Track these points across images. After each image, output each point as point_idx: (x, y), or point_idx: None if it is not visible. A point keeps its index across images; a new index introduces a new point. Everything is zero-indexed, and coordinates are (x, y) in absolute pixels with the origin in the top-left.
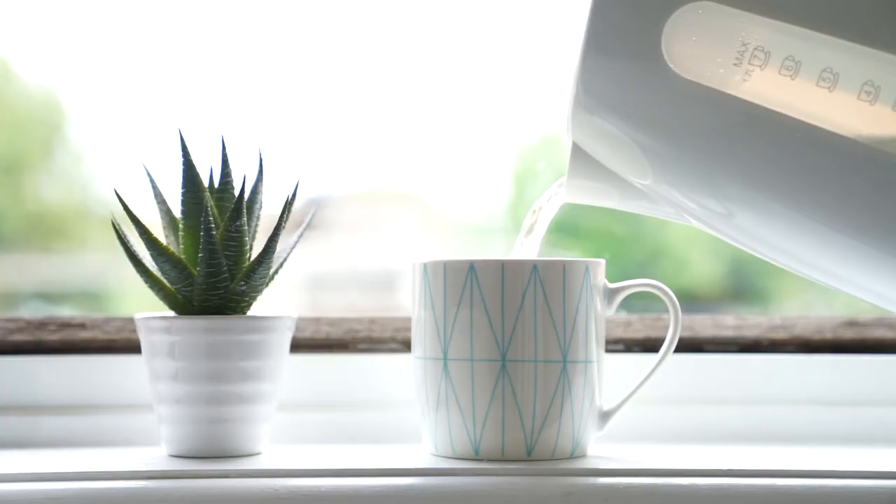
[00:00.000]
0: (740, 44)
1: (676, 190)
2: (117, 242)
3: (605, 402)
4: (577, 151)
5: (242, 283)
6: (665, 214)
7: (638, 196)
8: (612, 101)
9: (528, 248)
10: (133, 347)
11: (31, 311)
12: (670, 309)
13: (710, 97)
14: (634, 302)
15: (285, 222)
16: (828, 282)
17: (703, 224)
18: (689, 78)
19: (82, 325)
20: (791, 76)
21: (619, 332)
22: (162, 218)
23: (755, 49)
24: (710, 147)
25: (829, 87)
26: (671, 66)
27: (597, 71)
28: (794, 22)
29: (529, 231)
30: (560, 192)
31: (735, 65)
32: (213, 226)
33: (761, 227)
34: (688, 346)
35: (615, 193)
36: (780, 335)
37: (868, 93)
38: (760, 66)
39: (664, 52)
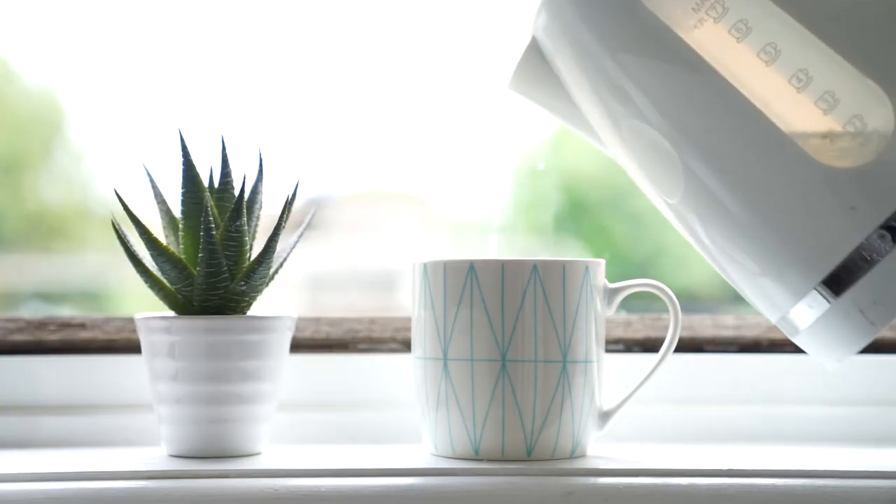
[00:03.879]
0: None
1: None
2: (117, 242)
3: (605, 402)
4: (534, 48)
5: (242, 283)
6: (596, 141)
7: (567, 101)
8: (581, 10)
9: None
10: (133, 347)
11: (31, 311)
12: (670, 309)
13: (660, 32)
14: (634, 302)
15: (285, 222)
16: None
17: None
18: (649, 8)
19: (82, 325)
20: (738, 39)
21: (619, 332)
22: (162, 218)
23: (716, 1)
24: (647, 76)
25: (766, 62)
26: None
27: None
28: None
29: None
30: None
31: (693, 10)
32: (213, 226)
33: (650, 149)
34: (688, 346)
35: (554, 98)
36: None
37: (799, 80)
38: (714, 19)
39: None
